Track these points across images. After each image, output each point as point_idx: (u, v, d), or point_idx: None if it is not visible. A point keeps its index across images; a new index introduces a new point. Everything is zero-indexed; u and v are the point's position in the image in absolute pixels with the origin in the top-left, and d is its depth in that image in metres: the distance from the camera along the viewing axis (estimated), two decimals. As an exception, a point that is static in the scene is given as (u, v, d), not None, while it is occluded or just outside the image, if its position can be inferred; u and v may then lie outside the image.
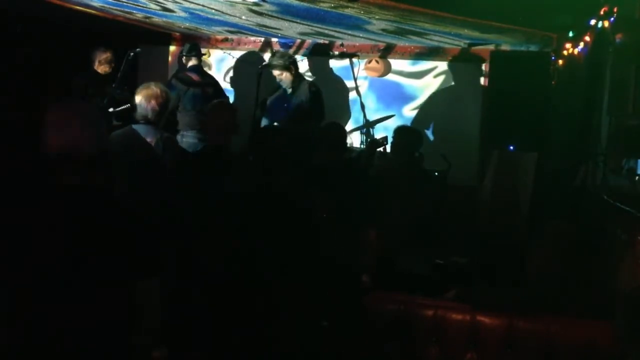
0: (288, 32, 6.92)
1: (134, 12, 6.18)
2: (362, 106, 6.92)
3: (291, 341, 3.24)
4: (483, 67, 7.13)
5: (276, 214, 3.33)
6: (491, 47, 6.87)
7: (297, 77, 6.45)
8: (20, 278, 2.19)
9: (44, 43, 6.51)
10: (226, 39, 7.83)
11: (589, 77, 5.45)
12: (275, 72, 6.36)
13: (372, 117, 6.94)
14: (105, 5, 5.83)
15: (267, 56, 7.55)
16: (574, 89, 5.84)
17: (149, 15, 6.32)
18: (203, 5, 5.39)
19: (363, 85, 7.40)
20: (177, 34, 7.87)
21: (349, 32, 6.50)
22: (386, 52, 7.43)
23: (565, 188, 5.57)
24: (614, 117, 4.77)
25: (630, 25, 4.35)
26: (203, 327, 3.24)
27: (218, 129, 3.98)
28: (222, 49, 7.86)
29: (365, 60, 7.37)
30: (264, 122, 6.31)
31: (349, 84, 7.39)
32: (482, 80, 7.17)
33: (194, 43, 6.94)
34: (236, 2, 5.08)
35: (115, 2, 5.56)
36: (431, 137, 7.32)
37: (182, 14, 6.07)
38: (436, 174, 6.10)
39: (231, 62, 7.87)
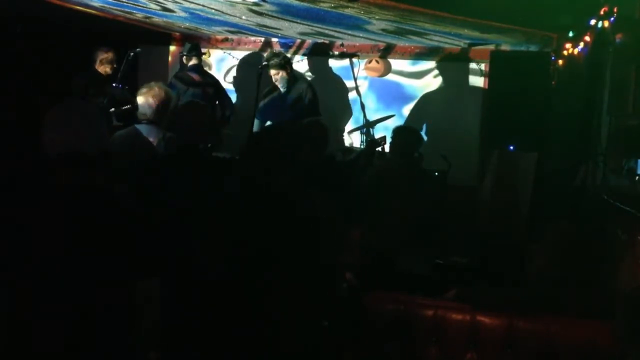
0: (288, 32, 6.92)
1: (134, 12, 6.19)
2: (362, 106, 6.93)
3: (291, 341, 3.24)
4: (483, 67, 7.13)
5: (274, 213, 3.33)
6: (491, 47, 6.87)
7: (293, 76, 6.45)
8: (20, 278, 2.19)
9: (44, 43, 6.51)
10: (226, 39, 7.83)
11: (589, 77, 5.45)
12: (271, 72, 6.37)
13: (372, 117, 6.94)
14: (105, 5, 5.83)
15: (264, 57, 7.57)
16: (574, 89, 5.84)
17: (149, 15, 6.33)
18: (203, 5, 5.39)
19: (363, 85, 7.40)
20: (177, 34, 7.88)
21: (349, 32, 6.50)
22: (386, 52, 7.44)
23: (565, 188, 5.56)
24: (614, 117, 4.77)
25: (630, 25, 4.36)
26: (202, 327, 3.24)
27: (190, 128, 3.96)
28: (222, 49, 7.86)
29: (365, 60, 7.37)
30: (257, 123, 6.31)
31: (349, 84, 7.39)
32: (482, 80, 7.17)
33: (195, 43, 6.94)
34: (236, 2, 5.08)
35: (115, 2, 5.56)
36: (430, 137, 7.32)
37: (182, 14, 6.07)
38: (436, 174, 6.10)
39: (231, 62, 7.87)
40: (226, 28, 7.04)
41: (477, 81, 7.23)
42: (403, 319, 2.97)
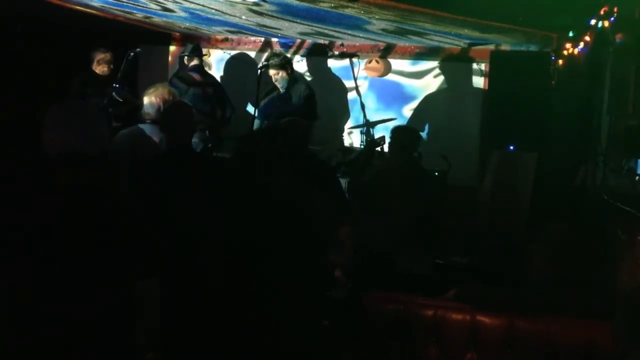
0: (288, 32, 6.93)
1: (134, 12, 6.19)
2: (362, 106, 6.93)
3: (291, 341, 3.24)
4: (483, 67, 7.13)
5: (274, 213, 3.33)
6: (491, 47, 6.88)
7: (292, 77, 6.46)
8: (19, 278, 2.19)
9: (44, 43, 6.51)
10: (226, 39, 7.84)
11: (589, 77, 5.45)
12: (271, 72, 6.37)
13: (372, 117, 6.95)
14: (105, 5, 5.83)
15: (265, 56, 7.56)
16: (574, 89, 5.84)
17: (149, 15, 6.33)
18: (203, 5, 5.39)
19: (363, 85, 7.40)
20: (177, 34, 7.88)
21: (349, 32, 6.50)
22: (386, 52, 7.44)
23: (565, 188, 5.56)
24: (614, 117, 4.77)
25: (630, 25, 4.35)
26: (201, 327, 3.24)
27: (177, 128, 3.97)
28: (222, 49, 7.87)
29: (365, 60, 7.37)
30: (257, 123, 6.32)
31: (349, 84, 7.40)
32: (482, 80, 7.17)
33: (196, 43, 6.94)
34: (236, 2, 5.08)
35: (115, 2, 5.56)
36: (430, 138, 7.33)
37: (182, 14, 6.07)
38: (436, 174, 6.10)
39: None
40: (226, 28, 7.04)
41: (477, 81, 7.23)
42: (403, 319, 2.96)
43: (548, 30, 5.73)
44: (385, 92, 7.49)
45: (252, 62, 7.64)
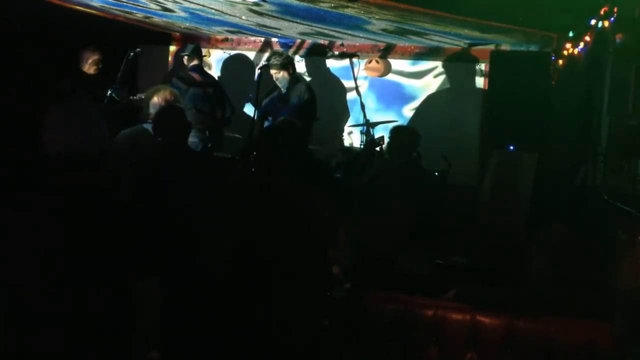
0: (288, 32, 6.93)
1: (134, 12, 6.19)
2: (362, 106, 6.93)
3: (291, 341, 3.24)
4: (483, 67, 7.14)
5: (274, 213, 3.33)
6: (491, 47, 6.88)
7: (294, 77, 6.46)
8: (19, 277, 2.19)
9: (44, 43, 6.52)
10: (226, 39, 7.84)
11: (589, 77, 5.45)
12: (273, 72, 6.37)
13: (372, 117, 6.95)
14: (105, 5, 5.83)
15: (265, 56, 7.57)
16: (574, 89, 5.84)
17: (149, 15, 6.33)
18: (203, 5, 5.39)
19: (363, 85, 7.40)
20: (177, 34, 7.88)
21: (349, 32, 6.51)
22: (386, 52, 7.44)
23: (565, 188, 5.56)
24: (614, 117, 4.77)
25: (630, 25, 4.35)
26: (202, 327, 3.24)
27: (171, 129, 4.00)
28: (222, 49, 7.87)
29: (365, 60, 7.37)
30: (257, 124, 6.32)
31: (349, 84, 7.40)
32: (482, 80, 7.17)
33: (196, 43, 6.93)
34: (236, 2, 5.08)
35: (115, 2, 5.56)
36: (430, 138, 7.33)
37: (182, 14, 6.07)
38: (436, 174, 6.10)
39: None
40: (226, 28, 7.04)
41: (477, 81, 7.23)
42: (403, 319, 2.96)
43: (548, 30, 5.73)
44: (385, 92, 7.50)
45: (250, 63, 7.64)
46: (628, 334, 2.59)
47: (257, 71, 6.41)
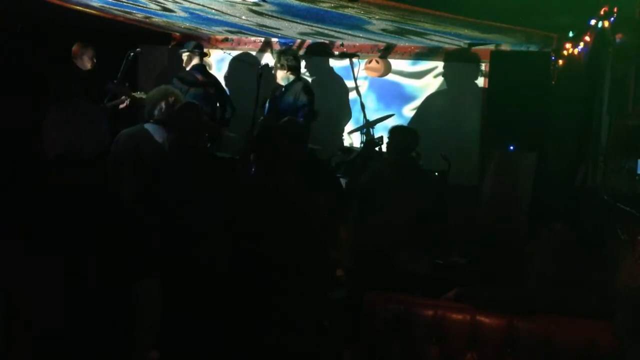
0: (288, 32, 6.93)
1: (134, 12, 6.19)
2: (362, 106, 6.94)
3: (291, 341, 3.24)
4: (483, 67, 7.13)
5: (275, 212, 3.33)
6: (491, 47, 6.88)
7: (297, 77, 6.46)
8: (19, 277, 2.19)
9: (44, 43, 6.51)
10: (226, 39, 7.84)
11: (589, 77, 5.44)
12: (279, 72, 6.38)
13: (372, 117, 6.95)
14: (105, 5, 5.83)
15: (265, 56, 7.57)
16: (574, 89, 5.84)
17: (149, 15, 6.33)
18: (203, 5, 5.39)
19: (363, 85, 7.41)
20: (177, 34, 7.88)
21: (349, 32, 6.50)
22: (386, 52, 7.44)
23: (565, 188, 5.56)
24: (614, 117, 4.76)
25: (630, 25, 4.35)
26: (202, 326, 3.25)
27: (187, 129, 4.00)
28: (222, 49, 7.87)
29: (365, 60, 7.37)
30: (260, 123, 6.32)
31: (349, 84, 7.40)
32: (482, 80, 7.17)
33: (197, 42, 6.91)
34: (236, 2, 5.08)
35: (115, 2, 5.56)
36: (430, 137, 7.33)
37: (182, 14, 6.07)
38: (436, 174, 6.10)
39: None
40: (226, 28, 7.04)
41: (477, 81, 7.23)
42: (403, 319, 2.97)
43: (548, 30, 5.73)
44: (385, 92, 7.50)
45: (256, 62, 7.63)
46: (628, 334, 2.59)
47: (258, 71, 6.42)
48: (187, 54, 6.63)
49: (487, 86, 7.05)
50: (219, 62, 7.92)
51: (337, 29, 6.36)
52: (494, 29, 5.58)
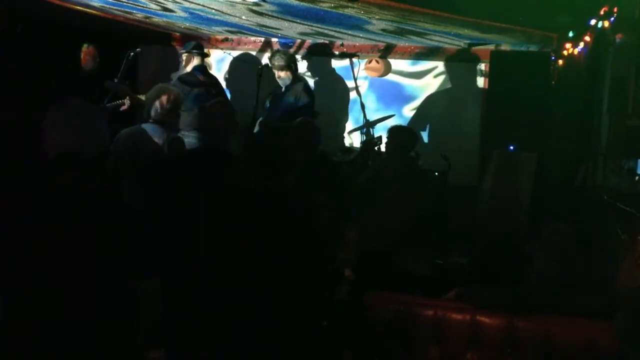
0: (288, 32, 6.92)
1: (134, 12, 6.18)
2: (362, 106, 6.93)
3: (291, 341, 3.24)
4: (483, 67, 7.13)
5: (273, 212, 3.33)
6: (491, 47, 6.88)
7: (295, 77, 6.46)
8: (20, 278, 2.19)
9: (43, 43, 6.51)
10: (226, 39, 7.84)
11: (589, 77, 5.44)
12: (275, 71, 6.38)
13: (372, 117, 6.95)
14: (105, 5, 5.83)
15: (265, 56, 7.57)
16: (574, 89, 5.84)
17: (149, 15, 6.32)
18: (203, 5, 5.39)
19: (363, 85, 7.40)
20: (177, 34, 7.87)
21: (349, 32, 6.50)
22: (386, 52, 7.44)
23: (565, 188, 5.56)
24: (614, 117, 4.76)
25: (630, 25, 4.35)
26: (202, 326, 3.25)
27: (218, 127, 4.00)
28: (222, 49, 7.86)
29: (365, 60, 7.37)
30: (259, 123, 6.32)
31: (349, 84, 7.40)
32: (482, 80, 7.17)
33: (197, 42, 6.90)
34: (236, 2, 5.08)
35: (115, 2, 5.56)
36: (430, 137, 7.33)
37: (182, 14, 6.07)
38: (436, 174, 6.10)
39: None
40: (226, 28, 7.03)
41: (477, 81, 7.23)
42: (403, 319, 2.97)
43: (548, 30, 5.73)
44: (385, 92, 7.49)
45: (256, 62, 7.62)
46: (628, 334, 2.59)
47: (258, 71, 6.41)
48: (186, 54, 6.62)
49: (487, 86, 7.05)
50: (219, 62, 7.91)
51: (337, 29, 6.36)
52: (494, 29, 5.57)
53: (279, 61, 6.35)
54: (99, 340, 2.24)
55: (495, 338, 2.87)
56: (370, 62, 7.39)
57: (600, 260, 3.79)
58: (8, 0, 5.80)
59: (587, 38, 5.05)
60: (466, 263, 4.92)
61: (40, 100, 5.54)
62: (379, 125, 6.80)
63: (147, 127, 4.27)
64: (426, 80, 7.42)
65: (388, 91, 7.48)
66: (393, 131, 5.24)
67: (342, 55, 7.41)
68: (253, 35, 7.60)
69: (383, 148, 5.90)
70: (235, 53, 7.83)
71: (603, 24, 4.50)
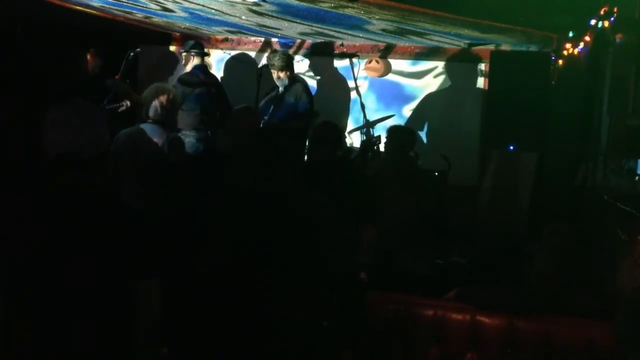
0: (288, 32, 6.92)
1: (134, 12, 6.18)
2: (362, 106, 6.93)
3: (291, 341, 3.24)
4: (483, 67, 7.13)
5: (276, 213, 3.33)
6: (491, 47, 6.88)
7: (292, 77, 6.46)
8: (20, 278, 2.19)
9: (43, 43, 6.51)
10: (226, 39, 7.83)
11: (589, 77, 5.45)
12: (273, 72, 6.38)
13: (372, 117, 6.95)
14: (105, 5, 5.83)
15: (265, 56, 7.56)
16: (574, 89, 5.84)
17: (149, 15, 6.32)
18: (203, 5, 5.39)
19: (363, 85, 7.40)
20: (177, 34, 7.87)
21: (349, 32, 6.50)
22: (386, 52, 7.43)
23: (565, 188, 5.57)
24: (614, 117, 4.76)
25: (630, 25, 4.35)
26: (203, 326, 3.25)
27: (243, 132, 3.99)
28: (222, 49, 7.86)
29: (365, 60, 7.37)
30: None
31: (349, 84, 7.40)
32: (482, 80, 7.17)
33: (196, 41, 6.89)
34: (236, 2, 5.08)
35: (115, 2, 5.56)
36: (430, 137, 7.33)
37: (182, 14, 6.07)
38: (436, 174, 6.10)
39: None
40: (226, 28, 7.03)
41: (477, 81, 7.23)
42: (403, 319, 2.97)
43: (548, 30, 5.73)
44: (385, 92, 7.49)
45: (253, 63, 7.62)
46: (628, 334, 2.59)
47: (258, 71, 6.41)
48: (185, 53, 6.61)
49: (487, 86, 7.05)
50: (219, 62, 7.91)
51: (337, 29, 6.36)
52: (494, 29, 5.57)
53: (278, 62, 6.34)
54: (99, 340, 2.24)
55: (495, 338, 2.87)
56: (370, 62, 7.39)
57: (600, 260, 3.79)
58: (8, 0, 5.80)
59: (587, 38, 5.05)
60: (466, 263, 4.93)
61: (40, 100, 5.54)
62: (378, 125, 6.80)
63: (146, 127, 4.25)
64: (426, 80, 7.42)
65: (388, 91, 7.48)
66: (392, 131, 5.24)
67: (342, 55, 7.41)
68: (253, 35, 7.60)
69: (382, 148, 5.91)
70: (235, 53, 7.83)
71: (603, 24, 4.50)
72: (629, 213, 3.67)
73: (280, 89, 6.44)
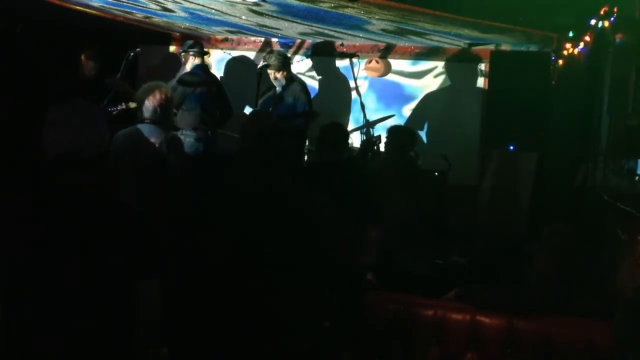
0: (288, 32, 6.92)
1: (134, 12, 6.19)
2: (362, 106, 6.93)
3: (292, 341, 3.24)
4: (483, 67, 7.14)
5: (278, 213, 3.33)
6: (491, 47, 6.88)
7: (290, 77, 6.46)
8: (20, 278, 2.19)
9: (43, 43, 6.52)
10: (226, 39, 7.83)
11: (589, 77, 5.45)
12: (269, 71, 6.37)
13: (372, 117, 6.95)
14: (105, 5, 5.83)
15: (260, 57, 7.57)
16: (574, 89, 5.84)
17: (149, 15, 6.33)
18: (203, 5, 5.39)
19: (363, 85, 7.40)
20: (177, 34, 7.87)
21: (349, 32, 6.50)
22: (386, 52, 7.44)
23: (565, 188, 5.57)
24: (614, 117, 4.76)
25: (630, 25, 4.35)
26: (203, 326, 3.25)
27: (254, 135, 3.98)
28: (222, 49, 7.86)
29: (365, 60, 7.37)
30: None
31: (350, 84, 7.40)
32: (482, 80, 7.17)
33: (195, 41, 6.87)
34: (236, 2, 5.08)
35: (115, 2, 5.56)
36: (430, 137, 7.33)
37: (182, 14, 6.07)
38: (436, 174, 6.10)
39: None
40: (226, 28, 7.03)
41: (477, 81, 7.23)
42: (403, 319, 2.97)
43: (548, 30, 5.73)
44: (385, 92, 7.50)
45: (252, 64, 7.62)
46: (628, 334, 2.59)
47: (257, 71, 6.40)
48: (184, 53, 6.60)
49: (487, 86, 7.05)
50: (219, 62, 7.91)
51: (337, 29, 6.36)
52: (494, 29, 5.58)
53: (275, 62, 6.33)
54: (99, 340, 2.24)
55: (495, 338, 2.87)
56: (370, 62, 7.39)
57: (600, 260, 3.79)
58: (8, 0, 5.80)
59: (587, 38, 5.05)
60: (466, 263, 4.92)
61: (40, 100, 5.54)
62: (378, 125, 6.80)
63: (144, 127, 4.20)
64: (426, 80, 7.42)
65: (388, 91, 7.49)
66: (392, 131, 5.24)
67: (342, 55, 7.41)
68: (253, 35, 7.60)
69: (382, 148, 5.91)
70: (235, 53, 7.83)
71: (603, 24, 4.50)
72: (629, 213, 3.67)
73: (278, 89, 6.44)
